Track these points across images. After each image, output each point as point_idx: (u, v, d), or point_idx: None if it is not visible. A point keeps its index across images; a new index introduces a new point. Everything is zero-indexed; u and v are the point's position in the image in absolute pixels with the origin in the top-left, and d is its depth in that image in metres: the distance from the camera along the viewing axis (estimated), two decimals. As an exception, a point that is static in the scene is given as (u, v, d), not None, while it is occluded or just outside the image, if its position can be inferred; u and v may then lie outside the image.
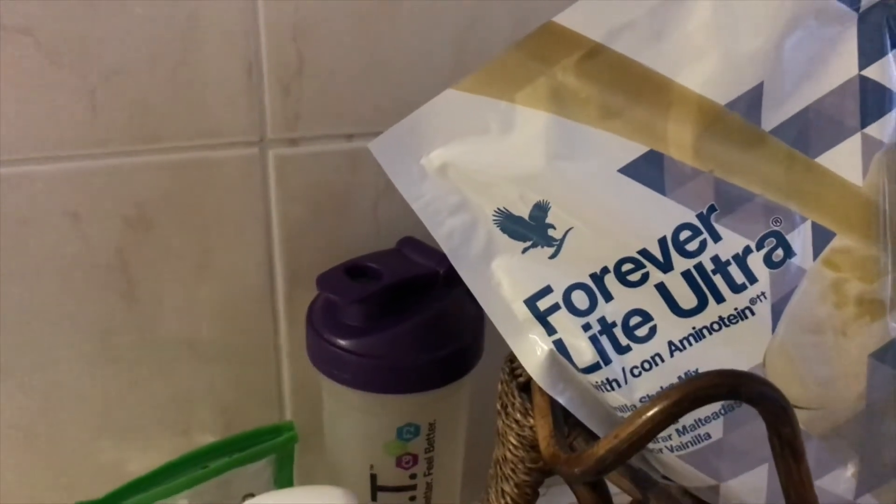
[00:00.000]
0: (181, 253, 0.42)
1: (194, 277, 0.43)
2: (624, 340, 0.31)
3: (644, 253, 0.30)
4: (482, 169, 0.32)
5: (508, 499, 0.35)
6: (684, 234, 0.30)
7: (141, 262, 0.42)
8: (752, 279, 0.30)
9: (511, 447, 0.34)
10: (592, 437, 0.33)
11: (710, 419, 0.31)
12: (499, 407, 0.35)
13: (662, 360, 0.31)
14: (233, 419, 0.47)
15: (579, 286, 0.31)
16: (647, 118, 0.31)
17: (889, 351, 0.30)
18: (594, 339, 0.31)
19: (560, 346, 0.31)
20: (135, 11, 0.37)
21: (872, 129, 0.30)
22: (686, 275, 0.30)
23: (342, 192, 0.43)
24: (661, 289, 0.31)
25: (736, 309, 0.30)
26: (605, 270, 0.31)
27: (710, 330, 0.31)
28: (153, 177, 0.40)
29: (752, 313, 0.30)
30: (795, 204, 0.31)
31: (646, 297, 0.31)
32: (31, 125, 0.38)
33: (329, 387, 0.40)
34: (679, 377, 0.31)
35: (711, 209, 0.30)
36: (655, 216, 0.31)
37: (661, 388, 0.31)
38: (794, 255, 0.30)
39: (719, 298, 0.30)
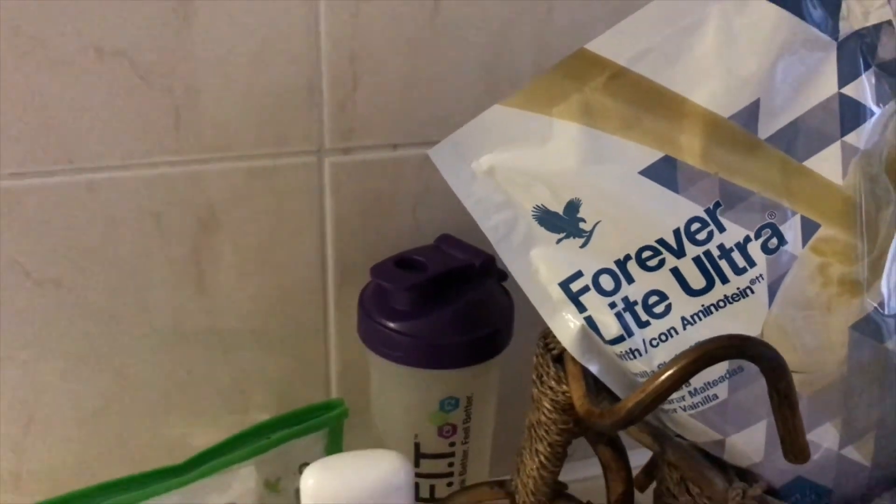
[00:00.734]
0: (246, 250, 0.46)
1: (256, 272, 0.47)
2: (644, 316, 0.35)
3: (661, 242, 0.34)
4: (523, 172, 0.35)
5: (542, 457, 0.40)
6: (695, 226, 0.34)
7: (211, 258, 0.46)
8: (751, 263, 0.34)
9: (546, 411, 0.38)
10: (616, 400, 0.37)
11: (716, 382, 0.34)
12: (534, 377, 0.39)
13: (676, 333, 0.34)
14: (285, 399, 0.50)
15: (606, 271, 0.35)
16: (663, 129, 0.34)
17: (866, 323, 0.34)
18: (619, 316, 0.35)
19: (590, 321, 0.35)
20: (214, 37, 0.41)
21: (850, 138, 0.34)
22: (696, 260, 0.34)
23: (387, 195, 0.47)
24: (675, 272, 0.34)
25: (738, 289, 0.34)
26: (627, 257, 0.35)
27: (717, 307, 0.34)
28: (225, 182, 0.44)
29: (752, 292, 0.34)
30: (787, 200, 0.34)
31: (662, 280, 0.34)
32: (123, 136, 0.42)
33: (379, 364, 0.44)
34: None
35: (717, 205, 0.34)
36: (670, 211, 0.34)
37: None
38: (787, 243, 0.34)
39: (724, 280, 0.34)
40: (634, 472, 0.42)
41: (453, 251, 0.45)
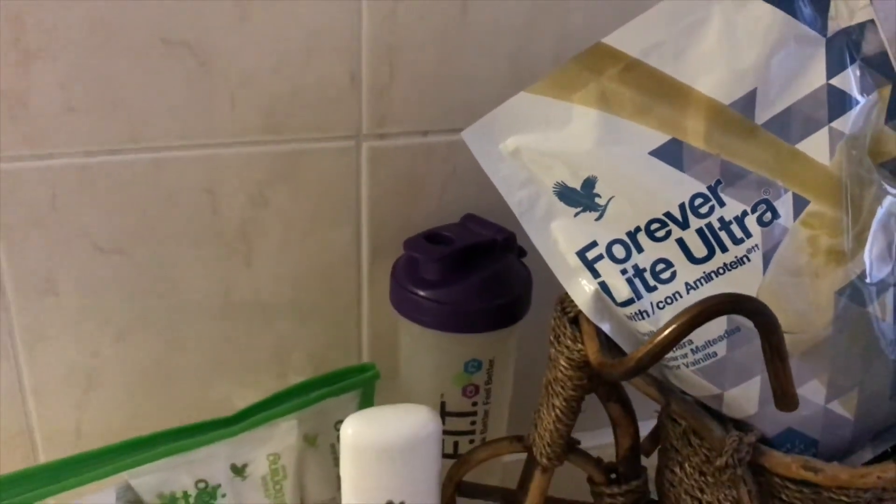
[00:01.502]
0: (289, 226, 0.49)
1: (297, 246, 0.50)
2: (652, 282, 0.37)
3: (668, 215, 0.37)
4: (545, 152, 0.38)
5: (558, 411, 0.43)
6: (698, 201, 0.36)
7: (258, 233, 0.49)
8: (748, 235, 0.36)
9: (562, 368, 0.41)
10: (626, 356, 0.41)
11: (716, 340, 0.37)
12: (552, 338, 0.42)
13: (681, 297, 0.37)
14: (321, 364, 0.53)
15: (618, 241, 0.38)
16: (671, 114, 0.37)
17: (850, 289, 0.36)
18: (629, 281, 0.38)
19: (603, 286, 0.38)
20: (267, 31, 0.44)
21: (837, 123, 0.36)
22: (699, 231, 0.37)
23: (418, 177, 0.50)
24: (681, 243, 0.37)
25: (736, 257, 0.36)
26: (637, 229, 0.37)
27: (717, 273, 0.37)
28: (272, 162, 0.47)
29: (748, 260, 0.36)
30: (780, 179, 0.36)
31: (668, 249, 0.37)
32: (182, 118, 0.45)
33: (409, 329, 0.47)
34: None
35: (718, 182, 0.36)
36: (676, 187, 0.37)
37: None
38: (780, 217, 0.36)
39: (724, 249, 0.36)
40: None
41: (477, 228, 0.48)
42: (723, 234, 0.37)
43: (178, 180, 0.46)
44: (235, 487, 0.46)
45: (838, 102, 0.37)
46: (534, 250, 0.39)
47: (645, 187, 0.37)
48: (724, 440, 0.38)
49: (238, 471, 0.46)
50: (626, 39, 0.37)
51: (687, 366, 0.39)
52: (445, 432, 0.49)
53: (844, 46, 0.37)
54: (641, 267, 0.38)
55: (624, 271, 0.38)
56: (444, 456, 0.49)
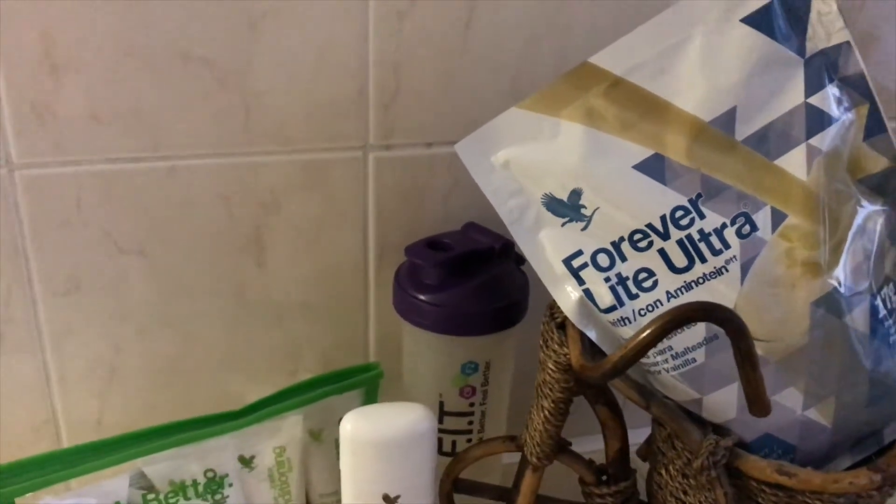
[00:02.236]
0: (300, 231, 0.51)
1: (308, 251, 0.52)
2: (634, 290, 0.38)
3: (650, 226, 0.38)
4: (534, 165, 0.39)
5: (546, 412, 0.44)
6: (679, 213, 0.37)
7: (270, 237, 0.51)
8: (727, 246, 0.37)
9: (550, 371, 0.43)
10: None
11: (695, 347, 0.38)
12: (541, 342, 0.43)
13: (661, 305, 0.38)
14: (329, 363, 0.55)
15: (603, 250, 0.39)
16: (654, 130, 0.37)
17: (826, 300, 0.37)
18: (612, 289, 0.39)
19: (587, 293, 0.39)
20: (280, 48, 0.46)
21: (814, 140, 0.37)
22: (679, 242, 0.37)
23: (422, 186, 0.52)
24: (662, 253, 0.38)
25: (715, 267, 0.37)
26: (621, 239, 0.38)
27: (697, 283, 0.38)
28: (284, 171, 0.49)
29: (727, 271, 0.37)
30: (759, 193, 0.37)
31: (651, 259, 0.38)
32: (199, 130, 0.47)
33: (411, 331, 0.49)
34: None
35: (699, 196, 0.37)
36: (658, 200, 0.37)
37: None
38: (758, 229, 0.37)
39: (703, 260, 0.37)
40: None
41: (477, 236, 0.50)
42: (702, 246, 0.38)
43: (195, 187, 0.48)
44: (243, 478, 0.48)
45: (816, 120, 0.37)
46: (532, 258, 0.40)
47: (629, 199, 0.38)
48: (702, 443, 0.39)
49: (246, 462, 0.48)
50: (612, 59, 0.38)
51: (668, 371, 0.40)
52: (444, 431, 0.51)
53: (822, 67, 0.38)
54: (624, 275, 0.39)
55: (608, 279, 0.39)
56: (443, 454, 0.51)
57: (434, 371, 0.49)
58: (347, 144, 0.50)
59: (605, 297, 0.39)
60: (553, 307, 0.43)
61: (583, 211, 0.39)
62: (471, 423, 0.50)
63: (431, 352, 0.49)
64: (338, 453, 0.50)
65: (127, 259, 0.49)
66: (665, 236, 0.38)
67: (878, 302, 0.38)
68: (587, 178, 0.39)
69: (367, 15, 0.47)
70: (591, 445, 0.50)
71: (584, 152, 0.39)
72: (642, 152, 0.38)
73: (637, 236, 0.38)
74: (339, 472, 0.48)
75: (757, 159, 0.38)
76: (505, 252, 0.48)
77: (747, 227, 0.37)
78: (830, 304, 0.37)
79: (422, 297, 0.47)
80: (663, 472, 0.44)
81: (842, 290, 0.37)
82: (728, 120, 0.38)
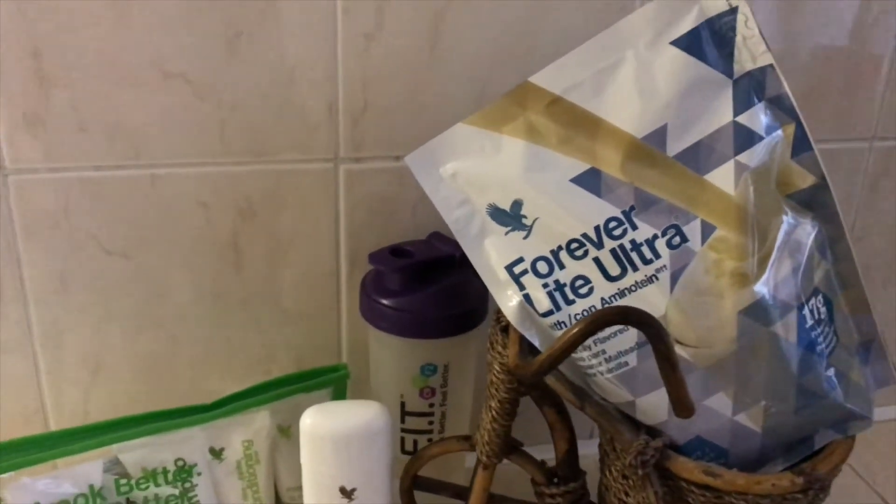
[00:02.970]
0: (275, 237, 0.53)
1: (283, 256, 0.54)
2: (571, 296, 0.40)
3: (585, 236, 0.39)
4: (479, 176, 0.41)
5: (494, 412, 0.45)
6: (612, 224, 0.39)
7: (247, 243, 0.53)
8: (657, 256, 0.39)
9: (495, 372, 0.44)
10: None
11: (628, 351, 0.39)
12: (488, 344, 0.45)
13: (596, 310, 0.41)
14: (303, 366, 0.57)
15: (542, 258, 0.40)
16: (590, 146, 0.39)
17: (753, 309, 0.38)
18: (550, 294, 0.40)
19: (527, 298, 0.40)
20: (254, 65, 0.49)
21: (742, 157, 0.38)
22: (613, 252, 0.39)
23: (391, 198, 0.54)
24: (597, 261, 0.39)
25: (646, 276, 0.39)
26: (560, 248, 0.40)
27: (629, 290, 0.39)
28: (259, 180, 0.51)
29: (657, 279, 0.39)
30: (690, 206, 0.38)
31: (587, 267, 0.39)
32: (179, 140, 0.50)
33: (374, 334, 0.51)
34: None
35: (632, 208, 0.39)
36: (593, 211, 0.39)
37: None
38: (688, 241, 0.38)
39: (635, 269, 0.39)
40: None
41: (441, 245, 0.51)
42: (634, 255, 0.39)
43: (175, 194, 0.51)
44: (212, 468, 0.50)
45: (744, 138, 0.39)
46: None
47: (566, 210, 0.40)
48: (632, 443, 0.40)
49: (216, 454, 0.50)
50: (550, 78, 0.40)
51: (603, 374, 0.41)
52: (406, 431, 0.52)
53: (750, 87, 0.39)
54: (562, 282, 0.40)
55: (546, 285, 0.40)
56: (405, 453, 0.53)
57: (395, 372, 0.51)
58: (319, 156, 0.52)
59: (542, 302, 0.41)
60: (499, 312, 0.44)
61: (524, 221, 0.41)
62: (431, 423, 0.52)
63: (393, 354, 0.50)
64: (306, 449, 0.53)
65: (111, 261, 0.52)
66: (599, 245, 0.40)
67: (806, 312, 0.40)
68: (528, 189, 0.40)
69: (335, 36, 0.49)
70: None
71: (525, 166, 0.40)
72: (579, 166, 0.40)
73: (574, 245, 0.40)
74: (305, 466, 0.50)
75: (687, 174, 0.39)
76: (465, 260, 0.50)
77: (678, 239, 0.39)
78: (758, 313, 0.38)
79: (384, 302, 0.49)
80: (608, 473, 0.46)
81: (769, 299, 0.38)
82: (660, 137, 0.39)
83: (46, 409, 0.55)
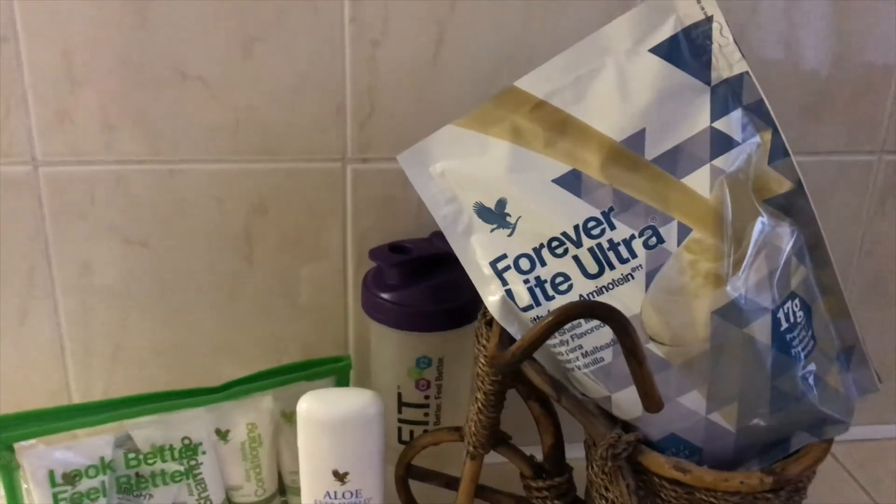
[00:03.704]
0: (285, 232, 0.55)
1: (292, 250, 0.56)
2: (551, 292, 0.41)
3: (565, 234, 0.40)
4: (466, 176, 0.42)
5: (480, 404, 0.46)
6: (591, 224, 0.40)
7: (259, 236, 0.55)
8: (634, 256, 0.39)
9: (481, 364, 0.45)
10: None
11: (604, 347, 0.40)
12: (475, 338, 0.47)
13: None
14: (311, 355, 0.57)
15: (524, 255, 0.41)
16: (572, 148, 0.40)
17: (727, 310, 0.39)
18: (531, 290, 0.41)
19: (509, 293, 0.42)
20: (268, 69, 0.51)
21: (718, 162, 0.39)
22: (591, 251, 0.40)
23: (396, 197, 0.55)
24: (576, 259, 0.40)
25: (622, 275, 0.40)
26: (542, 245, 0.41)
27: (607, 288, 0.40)
28: (271, 177, 0.54)
29: (633, 278, 0.39)
30: (666, 208, 0.39)
31: (567, 265, 0.41)
32: (197, 138, 0.52)
33: (374, 327, 0.52)
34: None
35: (611, 209, 0.40)
36: (574, 211, 0.40)
37: (572, 324, 0.41)
38: (664, 242, 0.39)
39: (612, 267, 0.40)
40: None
41: (440, 243, 0.52)
42: (611, 254, 0.40)
43: (192, 188, 0.54)
44: (217, 448, 0.52)
45: (720, 143, 0.40)
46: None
47: (548, 210, 0.41)
48: (605, 436, 0.41)
49: (222, 435, 0.52)
50: (535, 83, 0.42)
51: (580, 368, 0.42)
52: (402, 421, 0.54)
53: (727, 94, 0.40)
54: (543, 279, 0.41)
55: (526, 281, 0.42)
56: (403, 443, 0.54)
57: (392, 364, 0.52)
58: (327, 157, 0.54)
59: (523, 297, 0.42)
60: (485, 307, 0.46)
61: (508, 219, 0.42)
62: (427, 414, 0.53)
63: (390, 346, 0.52)
64: (307, 435, 0.55)
65: (132, 249, 0.55)
66: (578, 244, 0.41)
67: (781, 315, 0.40)
68: (512, 189, 0.42)
69: (343, 42, 0.51)
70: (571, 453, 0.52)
71: (509, 166, 0.42)
72: (561, 168, 0.41)
73: (554, 243, 0.41)
74: (308, 452, 0.52)
75: (665, 177, 0.40)
76: (461, 258, 0.52)
77: (654, 240, 0.40)
78: (731, 313, 0.39)
79: (382, 296, 0.51)
80: (590, 468, 0.47)
81: (742, 301, 0.39)
82: (638, 141, 0.40)
83: (70, 387, 0.58)
